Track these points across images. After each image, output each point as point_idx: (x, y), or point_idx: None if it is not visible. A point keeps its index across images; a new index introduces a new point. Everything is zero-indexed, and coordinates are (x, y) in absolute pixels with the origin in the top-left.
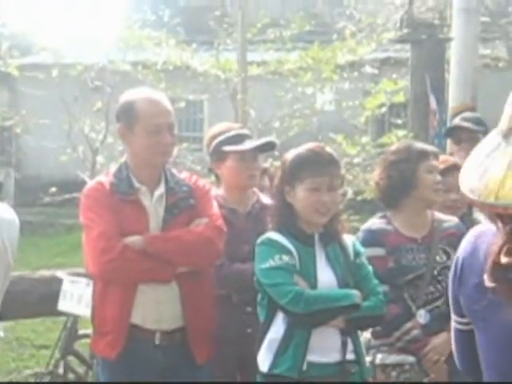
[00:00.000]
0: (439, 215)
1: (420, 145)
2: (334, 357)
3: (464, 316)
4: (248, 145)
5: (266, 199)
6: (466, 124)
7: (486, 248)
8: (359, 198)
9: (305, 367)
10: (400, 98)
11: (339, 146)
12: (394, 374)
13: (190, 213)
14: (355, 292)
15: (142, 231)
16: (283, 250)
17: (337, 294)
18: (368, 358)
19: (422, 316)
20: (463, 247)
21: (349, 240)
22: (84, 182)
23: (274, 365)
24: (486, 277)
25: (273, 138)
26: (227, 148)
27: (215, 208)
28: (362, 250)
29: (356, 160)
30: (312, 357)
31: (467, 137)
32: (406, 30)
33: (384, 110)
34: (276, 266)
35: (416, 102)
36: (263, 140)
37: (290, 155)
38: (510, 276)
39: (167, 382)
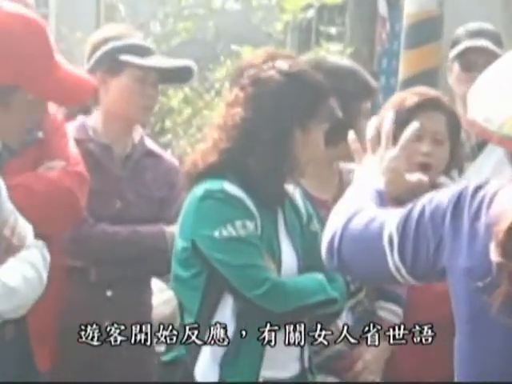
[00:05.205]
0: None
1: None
2: (292, 369)
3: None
4: (158, 62)
5: (151, 143)
6: (481, 43)
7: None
8: None
9: None
10: None
11: None
12: None
13: (36, 150)
14: (325, 280)
15: None
16: (246, 212)
17: (311, 284)
18: None
19: (343, 318)
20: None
21: (298, 196)
22: None
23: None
24: (492, 247)
25: (191, 63)
26: (128, 58)
27: (73, 147)
28: (312, 210)
29: None
30: (266, 372)
31: (484, 61)
32: None
33: (311, 13)
34: (238, 236)
35: (358, 4)
36: (181, 62)
37: None
38: None
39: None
